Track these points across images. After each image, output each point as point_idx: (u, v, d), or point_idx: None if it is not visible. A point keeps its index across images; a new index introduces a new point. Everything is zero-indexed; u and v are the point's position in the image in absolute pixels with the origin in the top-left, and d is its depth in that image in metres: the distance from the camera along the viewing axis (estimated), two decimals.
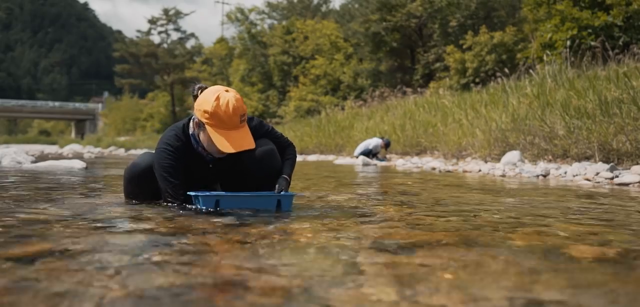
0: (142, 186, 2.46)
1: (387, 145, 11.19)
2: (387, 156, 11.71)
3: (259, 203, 2.34)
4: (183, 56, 45.99)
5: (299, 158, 14.61)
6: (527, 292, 1.10)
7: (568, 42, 11.53)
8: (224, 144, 2.20)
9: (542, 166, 5.96)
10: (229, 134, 2.21)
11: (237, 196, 2.34)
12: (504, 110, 8.83)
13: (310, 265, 1.31)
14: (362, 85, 24.34)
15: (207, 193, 2.27)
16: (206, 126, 2.23)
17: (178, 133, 2.36)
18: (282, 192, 2.37)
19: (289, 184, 2.48)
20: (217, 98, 2.20)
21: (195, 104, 2.30)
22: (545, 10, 13.90)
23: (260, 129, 2.49)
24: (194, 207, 2.29)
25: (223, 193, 2.33)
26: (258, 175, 2.45)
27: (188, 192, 2.32)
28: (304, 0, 37.76)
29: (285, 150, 2.59)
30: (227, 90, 2.24)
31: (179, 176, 2.33)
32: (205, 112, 2.21)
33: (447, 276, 1.22)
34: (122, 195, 2.68)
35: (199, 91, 2.34)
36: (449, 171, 7.17)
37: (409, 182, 4.77)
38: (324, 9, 38.14)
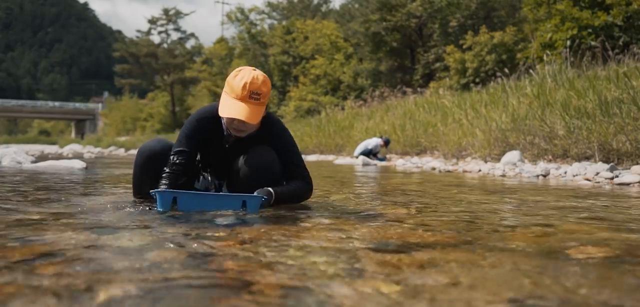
0: (157, 169, 2.42)
1: (386, 143, 11.20)
2: (387, 156, 11.72)
3: (222, 204, 2.18)
4: (183, 56, 46.01)
5: None
6: (527, 292, 1.10)
7: (568, 42, 11.53)
8: (223, 107, 2.26)
9: (542, 166, 5.96)
10: (233, 102, 2.25)
11: (198, 195, 2.23)
12: (504, 110, 8.83)
13: (310, 265, 1.31)
14: (362, 85, 24.34)
15: (165, 190, 2.16)
16: (223, 93, 2.33)
17: (213, 109, 2.41)
18: (247, 194, 2.21)
19: (272, 199, 2.30)
20: (240, 70, 2.31)
21: None
22: (545, 10, 13.90)
23: (283, 142, 2.47)
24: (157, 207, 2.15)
25: (181, 191, 2.19)
26: (245, 182, 2.36)
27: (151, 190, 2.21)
28: (304, 0, 37.75)
29: (295, 181, 2.48)
30: (253, 70, 2.30)
31: (190, 144, 2.39)
32: (227, 80, 2.31)
33: (447, 276, 1.22)
34: (122, 195, 2.68)
35: None
36: (449, 171, 7.17)
37: (409, 183, 4.77)
38: (324, 9, 38.14)
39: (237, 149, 2.45)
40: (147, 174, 2.46)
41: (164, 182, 2.34)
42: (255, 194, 2.25)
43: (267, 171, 2.37)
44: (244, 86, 2.22)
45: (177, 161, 2.37)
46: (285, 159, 2.46)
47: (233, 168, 2.45)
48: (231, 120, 2.29)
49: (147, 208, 2.21)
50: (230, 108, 2.24)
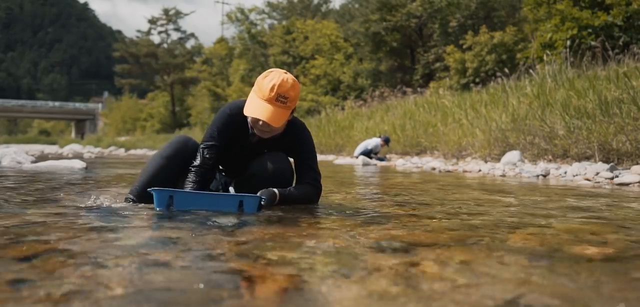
0: (178, 165, 2.40)
1: (387, 142, 11.21)
2: (387, 156, 11.72)
3: (218, 204, 2.14)
4: (183, 56, 46.02)
5: None
6: (527, 292, 1.09)
7: (568, 42, 11.53)
8: (248, 106, 2.26)
9: (542, 166, 5.96)
10: (259, 102, 2.23)
11: (194, 194, 2.20)
12: (504, 110, 8.83)
13: (309, 265, 1.31)
14: (362, 85, 24.34)
15: (161, 188, 2.13)
16: (251, 92, 2.32)
17: (242, 105, 2.38)
18: (245, 194, 2.19)
19: (275, 199, 2.31)
20: (270, 72, 2.30)
21: None
22: (545, 10, 13.90)
23: (303, 144, 2.49)
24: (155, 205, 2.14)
25: (178, 190, 2.17)
26: (254, 187, 2.34)
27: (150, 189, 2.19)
28: (304, 0, 37.74)
29: (304, 183, 2.49)
30: (285, 73, 2.29)
31: (221, 139, 2.39)
32: (257, 80, 2.30)
33: (447, 276, 1.22)
34: (123, 194, 2.67)
35: None
36: (449, 171, 7.17)
37: (409, 183, 4.76)
38: (324, 9, 38.13)
39: (259, 149, 2.45)
40: (171, 164, 2.39)
41: (193, 177, 2.34)
42: (257, 194, 2.24)
43: (279, 177, 2.38)
44: (272, 88, 2.21)
45: (208, 156, 2.37)
46: (301, 159, 2.49)
47: (245, 171, 2.44)
48: (256, 121, 2.27)
49: (147, 207, 2.21)
50: (255, 108, 2.23)
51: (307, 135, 2.53)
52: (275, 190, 2.32)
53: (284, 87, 2.23)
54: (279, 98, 2.22)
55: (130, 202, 2.39)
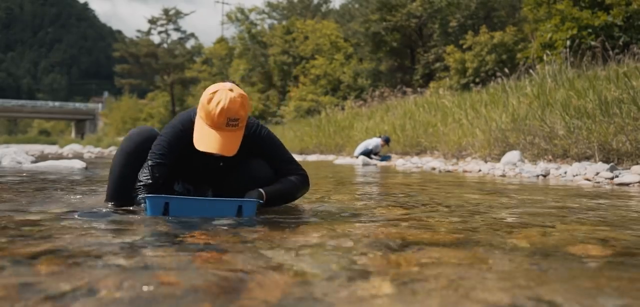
0: (139, 162, 2.26)
1: (387, 141, 11.21)
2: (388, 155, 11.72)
3: (216, 210, 2.08)
4: (183, 56, 46.04)
5: (299, 158, 14.40)
6: (527, 292, 1.09)
7: (568, 42, 11.52)
8: (198, 138, 2.09)
9: (542, 166, 5.95)
10: (208, 132, 2.08)
11: (191, 200, 2.14)
12: (504, 110, 8.83)
13: (309, 264, 1.31)
14: (362, 85, 24.34)
15: (156, 195, 2.05)
16: (197, 117, 2.16)
17: (194, 117, 2.23)
18: (243, 198, 2.13)
19: (263, 199, 2.20)
20: (214, 93, 2.09)
21: None
22: (546, 10, 13.90)
23: (266, 145, 2.32)
24: (143, 210, 2.08)
25: (174, 197, 2.07)
26: (238, 195, 2.23)
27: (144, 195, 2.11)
28: (304, 0, 37.75)
29: (286, 177, 2.34)
30: (230, 90, 2.10)
31: (171, 157, 2.21)
32: (200, 102, 2.13)
33: (447, 276, 1.22)
34: None
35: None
36: (449, 171, 7.17)
37: (409, 183, 4.76)
38: (324, 9, 38.14)
39: (220, 160, 2.28)
40: (135, 164, 2.26)
41: (142, 193, 2.17)
42: (246, 197, 2.18)
43: (262, 178, 2.28)
44: (221, 113, 2.04)
45: (158, 175, 2.19)
46: (273, 160, 2.34)
47: (224, 183, 2.32)
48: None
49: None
50: (207, 141, 2.06)
51: (266, 132, 2.35)
52: (261, 190, 2.22)
53: (233, 109, 2.05)
54: (229, 123, 2.06)
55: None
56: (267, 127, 2.38)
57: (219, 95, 2.07)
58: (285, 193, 2.33)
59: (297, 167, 2.39)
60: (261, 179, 2.29)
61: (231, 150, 2.08)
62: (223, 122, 2.06)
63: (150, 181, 2.19)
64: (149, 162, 2.20)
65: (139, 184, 2.21)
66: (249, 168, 2.31)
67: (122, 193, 2.29)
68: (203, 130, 2.10)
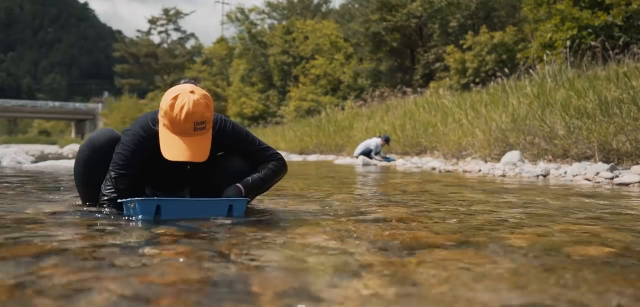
0: (102, 166, 2.17)
1: (387, 141, 11.21)
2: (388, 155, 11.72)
3: (207, 211, 2.06)
4: (183, 56, 46.12)
5: (298, 158, 14.32)
6: (526, 292, 1.09)
7: (568, 42, 11.51)
8: (166, 148, 1.98)
9: (542, 166, 5.95)
10: (174, 140, 1.98)
11: (182, 201, 2.11)
12: (504, 110, 8.83)
13: (309, 265, 1.31)
14: (362, 85, 24.34)
15: (146, 198, 1.98)
16: (160, 124, 2.05)
17: (155, 121, 2.11)
18: (232, 198, 2.12)
19: (242, 193, 2.19)
20: (175, 98, 1.97)
21: None
22: (546, 10, 13.89)
23: (235, 138, 2.24)
24: (125, 215, 2.01)
25: (165, 199, 2.02)
26: (216, 192, 2.21)
27: (122, 199, 2.04)
28: (304, 0, 37.75)
29: (264, 165, 2.29)
30: (191, 92, 1.98)
31: (134, 167, 2.10)
32: (162, 108, 2.01)
33: (447, 276, 1.22)
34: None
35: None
36: (449, 171, 7.17)
37: (409, 183, 4.76)
38: (324, 9, 38.14)
39: (187, 163, 2.17)
40: (95, 169, 2.20)
41: (107, 207, 2.10)
42: (224, 195, 2.16)
43: (238, 173, 2.24)
44: (186, 118, 1.94)
45: (122, 186, 2.10)
46: (247, 151, 2.27)
47: (203, 182, 2.27)
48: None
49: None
50: (175, 149, 1.97)
51: (231, 125, 2.26)
52: (239, 185, 2.18)
53: (198, 112, 1.95)
54: (196, 127, 1.97)
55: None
56: (229, 119, 2.30)
57: (181, 99, 1.96)
58: (265, 180, 2.29)
59: (273, 153, 2.33)
60: (237, 171, 2.25)
61: (203, 156, 2.00)
62: (190, 127, 1.96)
63: (115, 194, 2.09)
64: (112, 174, 2.11)
65: (103, 198, 2.12)
66: (224, 163, 2.27)
67: (93, 198, 2.23)
68: (169, 139, 1.99)
